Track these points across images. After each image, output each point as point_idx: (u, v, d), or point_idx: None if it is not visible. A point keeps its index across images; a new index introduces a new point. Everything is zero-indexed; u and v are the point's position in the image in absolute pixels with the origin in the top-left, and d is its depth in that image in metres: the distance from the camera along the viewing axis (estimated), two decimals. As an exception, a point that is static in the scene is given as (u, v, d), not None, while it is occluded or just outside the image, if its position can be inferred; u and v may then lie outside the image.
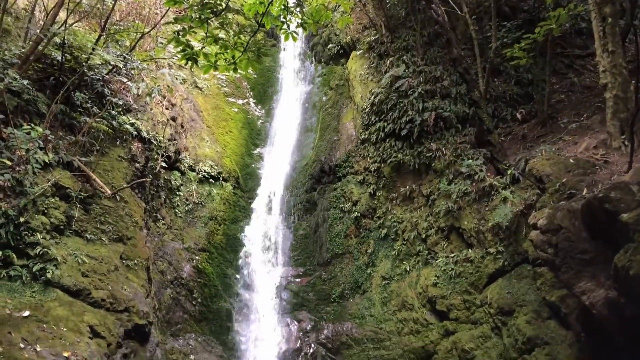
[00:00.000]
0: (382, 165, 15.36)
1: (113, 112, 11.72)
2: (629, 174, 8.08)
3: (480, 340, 11.34)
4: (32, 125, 9.39)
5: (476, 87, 12.80)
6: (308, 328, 15.15)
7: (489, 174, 12.19)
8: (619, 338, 8.01)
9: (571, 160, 9.83)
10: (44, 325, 7.83)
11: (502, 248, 11.43)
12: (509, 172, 11.55)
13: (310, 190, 17.22)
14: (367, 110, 16.18)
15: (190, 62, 9.24)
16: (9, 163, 8.70)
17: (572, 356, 9.04)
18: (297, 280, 16.00)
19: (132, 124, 12.14)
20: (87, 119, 10.90)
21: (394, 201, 15.05)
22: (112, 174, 11.15)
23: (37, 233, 8.64)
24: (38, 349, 7.38)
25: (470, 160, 12.59)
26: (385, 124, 15.26)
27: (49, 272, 8.43)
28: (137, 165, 12.42)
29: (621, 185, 7.66)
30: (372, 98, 15.96)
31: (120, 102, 12.23)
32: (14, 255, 8.25)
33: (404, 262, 14.20)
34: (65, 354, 7.53)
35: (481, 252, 12.01)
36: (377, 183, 15.55)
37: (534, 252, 9.76)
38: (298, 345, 14.90)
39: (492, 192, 11.92)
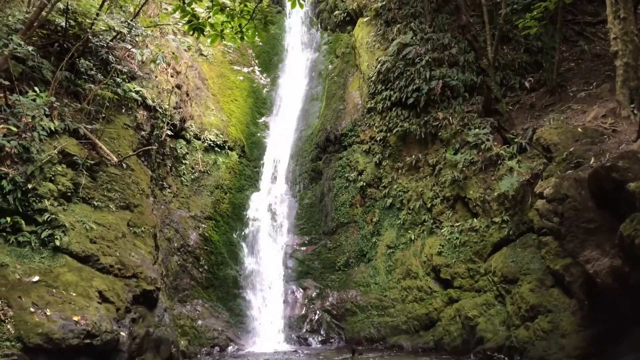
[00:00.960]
0: (388, 134, 15.29)
1: (118, 80, 11.66)
2: (637, 143, 8.03)
3: (484, 308, 11.46)
4: (38, 92, 9.36)
5: (484, 55, 12.62)
6: (313, 295, 15.34)
7: (495, 143, 12.12)
8: (622, 306, 8.07)
9: (579, 129, 9.76)
10: (54, 290, 7.95)
11: (507, 217, 11.45)
12: (516, 141, 11.47)
13: (316, 160, 17.20)
14: (373, 78, 16.02)
15: (196, 32, 9.15)
16: (15, 130, 8.70)
17: (574, 323, 9.14)
18: (302, 248, 16.13)
19: (137, 92, 12.08)
20: (92, 86, 10.85)
21: (399, 170, 15.03)
22: (118, 142, 11.16)
23: (45, 200, 8.70)
24: (48, 313, 7.51)
25: (477, 130, 12.51)
26: (392, 92, 15.12)
27: (57, 239, 8.52)
28: (143, 133, 12.41)
29: (629, 154, 7.62)
30: (378, 66, 15.78)
31: (125, 70, 12.16)
32: (23, 222, 8.33)
33: (409, 231, 14.27)
34: (75, 318, 7.67)
35: (486, 222, 12.03)
36: (383, 152, 15.50)
37: (540, 222, 9.77)
38: (303, 312, 15.12)
39: (499, 162, 11.87)
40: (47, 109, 9.35)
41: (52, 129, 9.34)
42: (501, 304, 11.21)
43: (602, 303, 8.60)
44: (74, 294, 8.16)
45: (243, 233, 15.86)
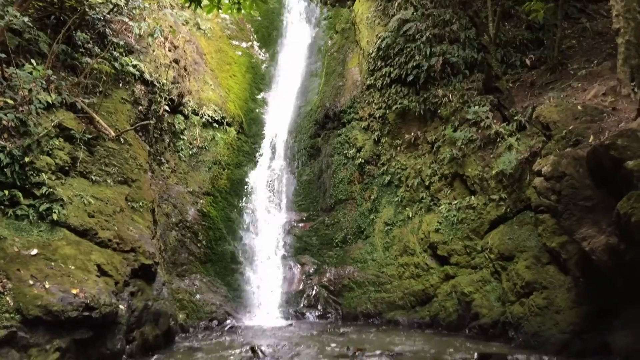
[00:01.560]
0: (387, 111, 15.22)
1: (115, 53, 11.54)
2: (636, 122, 7.99)
3: (480, 284, 11.57)
4: (34, 65, 9.27)
5: (486, 32, 12.51)
6: (311, 271, 15.46)
7: (495, 121, 12.08)
8: (617, 283, 8.14)
9: (579, 107, 9.72)
10: (52, 264, 7.98)
11: (505, 195, 11.49)
12: (515, 119, 11.44)
13: (315, 136, 17.16)
14: (373, 55, 15.88)
15: (193, 4, 9.04)
16: (12, 103, 8.63)
17: (569, 300, 9.23)
18: (300, 225, 16.20)
19: (134, 66, 11.97)
20: (89, 59, 10.75)
21: (398, 148, 15.01)
22: (116, 117, 11.09)
23: (43, 173, 8.67)
24: (47, 286, 7.55)
25: (476, 107, 12.46)
26: (392, 69, 15.01)
27: (55, 212, 8.52)
28: (140, 108, 12.34)
29: (628, 132, 7.59)
30: (378, 42, 15.63)
31: (122, 43, 12.02)
32: (20, 195, 8.31)
33: (407, 209, 14.32)
34: (74, 291, 7.70)
35: (484, 199, 12.07)
36: (382, 129, 15.46)
37: (537, 199, 9.80)
38: (301, 287, 15.25)
39: (498, 140, 11.86)
40: (44, 82, 9.28)
41: (49, 102, 9.28)
42: (497, 281, 11.32)
43: (597, 280, 8.68)
44: (72, 267, 8.19)
45: (241, 209, 15.90)
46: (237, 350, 9.89)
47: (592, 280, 8.83)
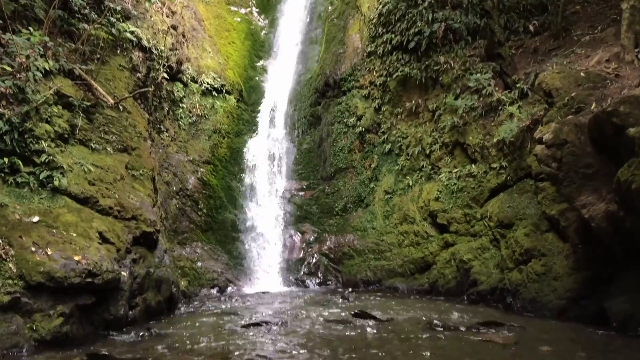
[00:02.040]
0: (388, 79, 15.08)
1: (112, 19, 11.35)
2: (639, 88, 7.93)
3: (479, 252, 11.66)
4: (31, 31, 9.12)
5: (489, -3, 12.29)
6: (311, 239, 15.57)
7: (497, 88, 11.99)
8: (615, 250, 8.20)
9: (582, 74, 9.62)
10: (54, 231, 8.01)
11: (506, 163, 11.48)
12: (517, 86, 11.35)
13: (315, 105, 17.04)
14: (374, 21, 15.65)
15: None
16: (10, 70, 8.53)
17: (567, 267, 9.31)
18: (300, 193, 16.23)
19: (132, 32, 11.79)
20: (86, 25, 10.57)
21: (399, 116, 14.93)
22: (114, 84, 10.98)
23: (42, 141, 8.63)
24: (49, 253, 7.59)
25: (478, 74, 12.34)
26: (393, 35, 14.81)
27: (55, 180, 8.50)
28: (139, 75, 12.21)
29: (630, 99, 7.54)
30: (379, 8, 15.39)
31: (118, 9, 11.81)
32: (20, 163, 8.28)
33: (407, 177, 14.33)
34: (76, 258, 7.75)
35: (484, 167, 12.07)
36: (383, 97, 15.35)
37: (538, 167, 9.80)
38: (301, 255, 15.38)
39: (499, 107, 11.79)
40: (41, 49, 9.14)
41: (47, 69, 9.16)
42: (496, 248, 11.40)
43: (595, 247, 8.75)
44: (74, 235, 8.22)
45: (241, 177, 15.91)
46: (239, 316, 10.02)
47: (590, 248, 8.90)
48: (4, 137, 8.17)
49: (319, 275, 15.04)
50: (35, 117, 8.70)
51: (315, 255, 15.34)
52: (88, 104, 9.81)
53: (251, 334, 8.41)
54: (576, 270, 9.18)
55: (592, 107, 8.63)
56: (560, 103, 9.59)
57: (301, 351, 7.14)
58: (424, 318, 9.40)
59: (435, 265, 12.83)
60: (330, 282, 14.84)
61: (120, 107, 10.65)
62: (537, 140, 9.50)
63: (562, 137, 8.65)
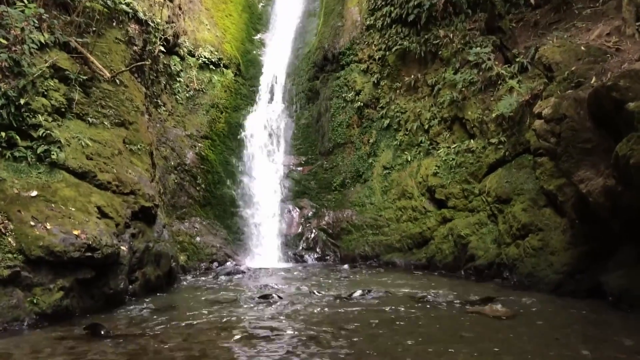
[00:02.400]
0: (387, 53, 14.95)
1: (107, -9, 11.17)
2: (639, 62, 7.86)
3: (476, 227, 11.72)
4: (26, 3, 8.97)
5: (490, -32, 12.09)
6: (309, 215, 15.62)
7: (496, 62, 11.89)
8: (612, 225, 8.24)
9: (582, 48, 9.53)
10: (53, 205, 8.01)
11: (504, 138, 11.46)
12: (517, 60, 11.25)
13: (313, 79, 16.91)
14: (373, -7, 15.43)
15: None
16: (5, 42, 8.41)
17: (564, 242, 9.37)
18: (299, 168, 16.23)
19: (127, 4, 11.62)
20: (81, -3, 10.41)
21: (397, 91, 14.84)
22: (110, 57, 10.86)
23: (39, 115, 8.56)
24: (48, 227, 7.61)
25: (478, 48, 12.22)
26: (392, 8, 14.62)
27: (53, 154, 8.47)
28: (135, 48, 12.06)
29: (631, 73, 7.46)
30: (379, -21, 15.16)
31: (114, -20, 11.62)
32: (17, 137, 8.24)
33: (406, 152, 14.31)
34: (75, 232, 7.77)
35: (483, 143, 12.05)
36: (381, 72, 15.23)
37: (536, 142, 9.77)
38: (300, 230, 15.46)
39: (499, 82, 11.72)
40: (36, 21, 9.01)
41: (42, 42, 9.04)
42: (493, 223, 11.46)
43: (592, 222, 8.78)
44: (73, 209, 8.23)
45: (239, 152, 15.88)
46: (238, 291, 10.11)
47: (587, 223, 8.93)
48: (1, 111, 8.12)
49: (317, 250, 15.14)
50: (32, 90, 8.62)
51: (314, 231, 15.41)
52: (84, 77, 9.72)
53: (251, 307, 8.49)
54: (573, 245, 9.23)
55: (592, 82, 8.56)
56: (560, 77, 9.52)
57: (300, 324, 7.22)
58: (420, 292, 9.49)
59: (433, 241, 12.90)
60: (328, 257, 14.94)
61: (117, 81, 10.55)
62: (536, 115, 9.45)
63: (561, 112, 8.60)
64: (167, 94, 14.45)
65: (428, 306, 8.35)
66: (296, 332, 6.74)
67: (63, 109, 9.25)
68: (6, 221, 7.36)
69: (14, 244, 7.20)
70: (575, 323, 7.14)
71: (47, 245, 7.34)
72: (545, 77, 10.30)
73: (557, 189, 9.47)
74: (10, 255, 7.05)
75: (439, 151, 13.14)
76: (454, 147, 12.74)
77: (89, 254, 7.73)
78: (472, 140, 12.38)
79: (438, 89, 13.37)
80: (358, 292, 9.42)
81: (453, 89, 12.72)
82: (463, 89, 12.45)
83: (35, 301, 7.11)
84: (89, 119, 9.72)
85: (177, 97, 14.87)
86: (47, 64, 8.95)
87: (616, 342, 6.13)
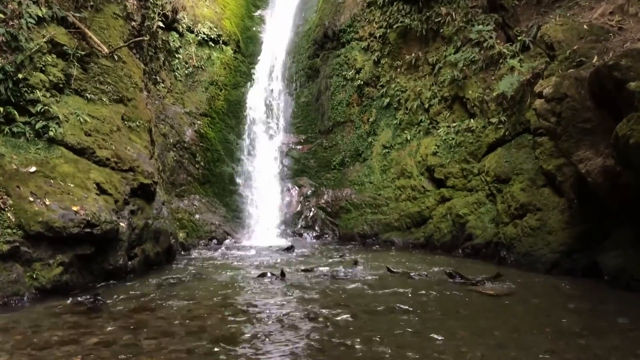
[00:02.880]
0: (388, 30, 14.80)
1: (105, -35, 11.02)
2: (643, 42, 7.79)
3: (475, 206, 11.75)
4: (21, -24, 8.87)
5: (493, -56, 11.92)
6: (308, 193, 15.64)
7: (498, 41, 11.79)
8: (610, 205, 8.26)
9: (585, 26, 9.42)
10: (51, 181, 8.01)
11: (505, 118, 11.41)
12: (519, 39, 11.15)
13: (313, 57, 16.78)
14: (375, -31, 15.22)
15: None
16: (2, 17, 8.33)
17: (562, 221, 9.40)
18: (298, 147, 16.20)
19: (126, -21, 11.49)
20: (78, -29, 10.27)
21: (398, 69, 14.74)
22: (108, 32, 10.75)
23: (37, 90, 8.51)
24: (47, 203, 7.62)
25: (480, 26, 12.10)
26: (394, -15, 14.45)
27: (51, 130, 8.45)
28: (134, 23, 11.94)
29: (633, 52, 7.40)
30: (380, -45, 14.94)
31: (112, -46, 11.46)
32: (16, 112, 8.20)
33: (405, 132, 14.27)
34: (74, 208, 7.79)
35: (483, 122, 12.01)
36: (382, 50, 15.10)
37: (536, 122, 9.74)
38: (299, 208, 15.49)
39: (500, 61, 11.63)
40: (33, -5, 8.92)
41: (40, 16, 8.95)
42: (492, 203, 11.48)
43: (590, 202, 8.81)
44: (71, 185, 8.23)
45: (239, 130, 15.83)
46: (238, 268, 10.17)
47: (585, 203, 8.96)
48: (-1, 86, 8.07)
49: (316, 228, 15.19)
50: (30, 65, 8.57)
51: (313, 209, 15.45)
52: (82, 53, 9.64)
53: (249, 284, 8.55)
54: (570, 225, 9.27)
55: (594, 61, 8.50)
56: (562, 56, 9.44)
57: (297, 302, 7.28)
58: (418, 270, 9.55)
59: (431, 220, 12.94)
60: (327, 236, 15.00)
61: (115, 57, 10.47)
62: (537, 95, 9.40)
63: (562, 91, 8.56)
64: (165, 71, 14.36)
65: (425, 284, 8.41)
66: (292, 309, 6.80)
67: (61, 85, 9.19)
68: (5, 196, 7.37)
69: (13, 220, 7.22)
70: (571, 302, 7.19)
71: (46, 220, 7.36)
72: (547, 55, 10.22)
73: (556, 169, 9.48)
74: (9, 231, 7.08)
75: (438, 130, 13.10)
76: (454, 127, 12.70)
77: (88, 230, 7.76)
78: (472, 120, 12.33)
79: (439, 68, 13.28)
80: (357, 269, 9.48)
81: (454, 68, 12.64)
82: (464, 67, 12.37)
83: (35, 276, 7.16)
84: (87, 95, 9.67)
85: (176, 73, 14.77)
86: (44, 39, 8.88)
87: (610, 320, 6.19)
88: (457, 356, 4.90)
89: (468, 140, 12.29)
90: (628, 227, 8.28)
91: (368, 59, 15.44)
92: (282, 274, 8.98)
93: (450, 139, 12.63)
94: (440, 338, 5.46)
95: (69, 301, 7.07)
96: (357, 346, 5.20)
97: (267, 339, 5.45)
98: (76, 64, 9.49)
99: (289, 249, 12.28)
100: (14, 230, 7.14)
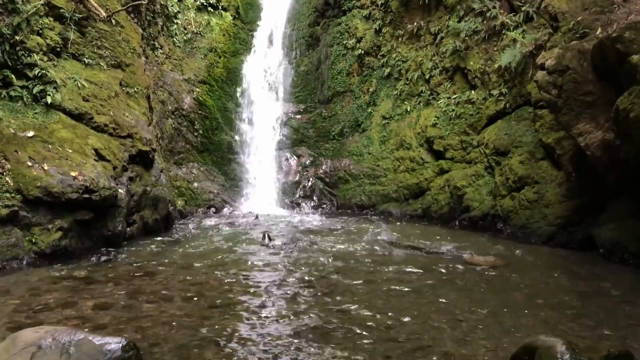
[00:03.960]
0: (390, -2, 14.56)
1: None
2: (648, 14, 7.69)
3: (473, 179, 11.77)
4: (16, -64, 8.67)
5: None
6: (307, 163, 15.63)
7: (502, 11, 11.61)
8: (608, 179, 8.28)
9: (590, -2, 9.29)
10: (50, 146, 7.98)
11: (506, 90, 11.34)
12: (523, 9, 10.98)
13: (314, 25, 16.53)
14: None
15: None
16: (-3, -22, 8.20)
17: (559, 194, 9.44)
18: (297, 116, 16.11)
19: (123, -59, 11.23)
20: None
21: (399, 39, 14.56)
22: (106, -4, 10.58)
23: (34, 54, 8.40)
24: (46, 168, 7.61)
25: (483, -4, 11.91)
26: (397, -48, 14.16)
27: (49, 95, 8.37)
28: (132, -13, 11.74)
29: (637, 25, 7.31)
30: None
31: None
32: (13, 76, 8.11)
33: (405, 102, 14.18)
34: (73, 174, 7.78)
35: (484, 94, 11.93)
36: (384, 19, 14.89)
37: (537, 94, 9.68)
38: (297, 178, 15.50)
39: (503, 32, 11.48)
40: (28, -44, 8.73)
41: (36, -22, 8.79)
42: (490, 175, 11.50)
43: (588, 176, 8.84)
44: (70, 151, 8.21)
45: (238, 99, 15.71)
46: (236, 235, 10.24)
47: (583, 176, 8.99)
48: (-5, 49, 7.97)
49: (314, 198, 15.23)
50: (27, 28, 8.45)
51: (311, 179, 15.46)
52: (80, 16, 9.49)
53: (246, 250, 8.62)
54: (568, 198, 9.31)
55: (597, 33, 8.40)
56: (566, 28, 9.34)
57: (296, 269, 7.36)
58: (415, 241, 9.62)
59: (429, 191, 12.97)
60: (325, 206, 15.05)
61: (113, 21, 10.32)
62: (538, 66, 9.32)
63: (565, 64, 8.48)
64: (164, 36, 14.17)
65: (422, 255, 8.49)
66: (292, 278, 6.87)
67: (58, 49, 9.09)
68: (3, 161, 7.36)
69: (12, 184, 7.22)
70: (565, 274, 7.28)
71: (44, 185, 7.36)
72: (551, 27, 10.10)
73: (556, 142, 9.47)
74: (8, 195, 7.10)
75: (439, 102, 13.02)
76: (454, 98, 12.62)
77: (87, 195, 7.77)
78: (472, 91, 12.25)
79: (441, 38, 13.12)
80: (362, 237, 9.55)
81: (456, 38, 12.49)
82: (466, 38, 12.22)
83: (34, 240, 7.20)
84: (85, 59, 9.57)
85: (175, 39, 14.59)
86: (41, 1, 8.73)
87: (604, 292, 6.28)
88: (453, 324, 4.98)
89: (468, 112, 12.23)
90: (625, 201, 8.33)
91: (369, 27, 15.24)
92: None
93: (450, 110, 12.57)
94: (433, 308, 5.54)
95: (68, 266, 7.13)
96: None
97: (263, 304, 5.51)
98: (73, 27, 9.36)
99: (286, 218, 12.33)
100: (13, 195, 7.15)
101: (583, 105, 8.24)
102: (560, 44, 9.08)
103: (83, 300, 5.49)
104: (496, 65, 11.39)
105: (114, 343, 2.78)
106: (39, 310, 5.14)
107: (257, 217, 12.64)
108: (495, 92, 11.55)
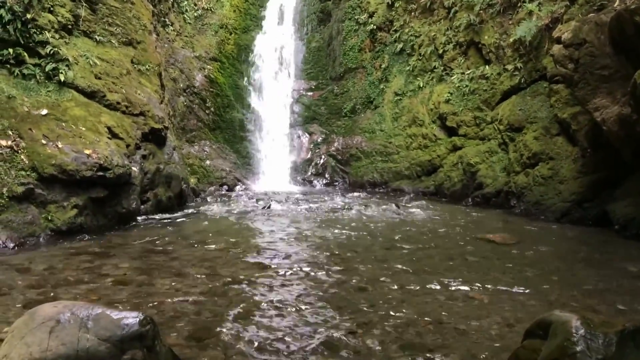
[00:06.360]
0: (403, -29, 14.32)
1: None
2: (669, -15, 7.48)
3: (486, 155, 11.68)
4: None
5: None
6: (319, 140, 15.60)
7: (517, -17, 11.38)
8: (624, 154, 8.17)
9: (609, -31, 9.06)
10: (63, 124, 8.02)
11: (521, 64, 11.17)
12: (539, -19, 10.76)
13: (325, 0, 16.33)
14: None
15: None
16: (7, -45, 8.15)
17: (574, 170, 9.35)
18: (309, 93, 16.03)
19: None
20: None
21: (412, 13, 14.34)
22: (116, -28, 10.50)
23: (46, 32, 8.37)
24: (60, 146, 7.66)
25: (498, -32, 11.67)
26: None
27: (62, 72, 8.37)
28: (142, -37, 11.63)
29: (659, -4, 7.14)
30: None
31: None
32: (25, 54, 8.12)
33: (418, 78, 14.04)
34: (87, 152, 7.82)
35: (498, 69, 11.77)
36: (396, -8, 14.66)
37: (553, 68, 9.52)
38: (309, 156, 15.50)
39: (518, 4, 11.28)
40: None
41: (45, -46, 8.73)
42: (504, 152, 11.40)
43: (604, 151, 8.74)
44: (83, 129, 8.24)
45: (249, 76, 15.64)
46: (248, 212, 10.29)
47: (599, 152, 8.88)
48: (7, 26, 7.96)
49: (326, 176, 15.23)
50: (38, 5, 8.41)
51: (323, 156, 15.44)
52: (90, -7, 9.44)
53: (259, 228, 8.67)
54: (583, 174, 9.22)
55: (615, 5, 8.21)
56: (583, 0, 9.14)
57: (304, 247, 7.39)
58: (428, 217, 9.61)
59: (442, 168, 12.90)
60: (337, 183, 15.06)
61: (123, -2, 10.25)
62: (555, 40, 9.16)
63: (581, 37, 8.32)
64: (174, 13, 14.08)
65: (435, 230, 8.48)
66: (302, 254, 6.90)
67: (70, 26, 9.06)
68: (18, 139, 7.41)
69: (27, 162, 7.28)
70: (580, 250, 7.24)
71: (59, 163, 7.42)
72: (568, -1, 9.89)
73: (571, 117, 9.34)
74: (23, 172, 7.16)
75: (452, 77, 12.86)
76: (468, 73, 12.46)
77: (101, 173, 7.82)
78: (487, 67, 12.08)
79: (455, 12, 12.90)
80: (371, 212, 9.55)
81: (470, 12, 12.28)
82: (481, 11, 12.02)
83: (50, 217, 7.28)
84: (96, 37, 9.54)
85: (185, 16, 14.49)
86: (51, -22, 8.67)
87: (620, 268, 6.23)
88: (465, 300, 4.99)
89: (482, 88, 12.08)
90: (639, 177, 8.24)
91: (382, 2, 15.02)
92: (289, 217, 9.06)
93: (464, 86, 12.42)
94: (446, 281, 5.54)
95: (83, 242, 7.21)
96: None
97: (277, 281, 5.56)
98: (84, 4, 9.31)
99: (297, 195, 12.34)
100: (28, 173, 7.21)
101: (600, 79, 8.10)
102: (577, 16, 8.90)
103: (99, 277, 5.56)
104: (511, 40, 11.20)
105: (131, 317, 2.80)
106: (57, 285, 5.21)
107: (267, 196, 12.66)
108: (510, 67, 11.38)
